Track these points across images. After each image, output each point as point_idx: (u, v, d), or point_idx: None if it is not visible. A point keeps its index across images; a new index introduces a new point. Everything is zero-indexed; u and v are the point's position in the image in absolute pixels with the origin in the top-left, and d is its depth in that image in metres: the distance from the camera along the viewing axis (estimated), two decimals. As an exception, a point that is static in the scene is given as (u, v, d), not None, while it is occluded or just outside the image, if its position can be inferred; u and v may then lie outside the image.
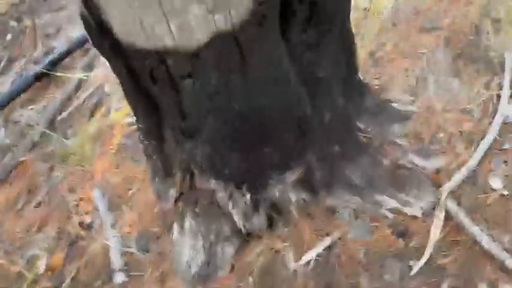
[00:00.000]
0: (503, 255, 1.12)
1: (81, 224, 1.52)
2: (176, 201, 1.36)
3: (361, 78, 1.39)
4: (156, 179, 1.37)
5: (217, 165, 1.13)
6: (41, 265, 1.43)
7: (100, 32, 0.91)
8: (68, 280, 1.37)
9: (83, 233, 1.50)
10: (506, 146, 1.32)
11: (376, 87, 1.52)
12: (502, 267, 1.12)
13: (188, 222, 1.32)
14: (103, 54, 1.05)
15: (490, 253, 1.13)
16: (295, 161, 1.18)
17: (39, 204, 1.64)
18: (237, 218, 1.25)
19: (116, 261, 1.38)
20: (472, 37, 1.57)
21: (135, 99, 1.13)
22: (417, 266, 1.17)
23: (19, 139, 1.92)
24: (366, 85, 1.40)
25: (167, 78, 0.94)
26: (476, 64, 1.52)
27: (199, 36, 0.82)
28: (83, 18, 0.92)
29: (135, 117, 1.24)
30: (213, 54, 0.85)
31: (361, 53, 1.61)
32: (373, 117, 1.36)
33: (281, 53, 0.93)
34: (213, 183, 1.22)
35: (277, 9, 0.85)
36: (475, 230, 1.17)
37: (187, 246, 1.31)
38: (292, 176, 1.21)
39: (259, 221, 1.27)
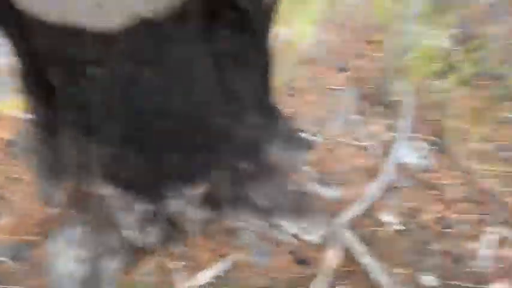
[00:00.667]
0: (391, 286, 1.15)
1: None
2: (63, 206, 1.22)
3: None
4: (44, 180, 1.23)
5: (114, 169, 1.04)
6: None
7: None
8: None
9: None
10: (399, 185, 1.41)
11: (288, 115, 1.54)
12: (389, 298, 1.15)
13: (74, 230, 1.19)
14: (6, 29, 0.93)
15: (380, 284, 1.17)
16: (200, 175, 1.13)
17: None
18: (129, 230, 1.15)
19: (-20, 271, 1.19)
20: (377, 82, 1.69)
21: (32, 86, 1.01)
22: (311, 293, 1.16)
23: None
24: (279, 110, 1.41)
25: (72, 62, 0.85)
26: (379, 106, 1.63)
27: (118, 18, 0.75)
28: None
29: (30, 107, 1.11)
30: (129, 41, 0.79)
31: (277, 82, 1.64)
32: (283, 142, 1.37)
33: (200, 54, 0.90)
34: (108, 189, 1.11)
35: (202, 5, 0.82)
36: (367, 260, 1.20)
37: (68, 258, 1.17)
38: (195, 191, 1.15)
39: (153, 235, 1.18)
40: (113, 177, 1.07)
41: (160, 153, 1.02)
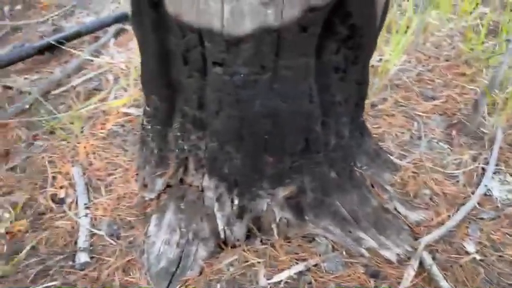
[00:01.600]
0: (467, 314, 1.14)
1: (53, 196, 1.47)
2: (161, 193, 1.35)
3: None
4: (147, 167, 1.36)
5: (218, 162, 1.14)
6: (1, 227, 1.36)
7: (150, 1, 0.94)
8: (26, 249, 1.30)
9: (53, 206, 1.44)
10: (483, 216, 1.39)
11: (374, 135, 1.58)
12: (464, 326, 1.14)
13: (169, 216, 1.30)
14: (139, 27, 1.07)
15: (456, 310, 1.16)
16: (289, 177, 1.20)
17: (12, 169, 1.58)
18: (220, 222, 1.24)
19: (82, 240, 1.33)
20: (468, 111, 1.68)
21: (155, 81, 1.14)
22: (384, 309, 1.18)
23: (7, 103, 1.88)
24: (368, 129, 1.46)
25: (200, 61, 0.97)
26: (467, 137, 1.62)
27: (247, 25, 0.86)
28: (136, -15, 0.95)
29: (146, 101, 1.25)
30: (253, 46, 0.89)
31: (367, 103, 1.69)
32: (370, 160, 1.41)
33: (311, 65, 0.98)
34: (205, 181, 1.22)
35: (321, 21, 0.91)
36: (445, 285, 1.20)
37: (161, 240, 1.28)
38: (283, 192, 1.23)
39: (240, 230, 1.27)
40: (212, 170, 1.17)
41: (259, 152, 1.10)
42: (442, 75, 1.95)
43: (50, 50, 2.19)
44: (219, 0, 0.83)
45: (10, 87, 1.99)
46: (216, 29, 0.88)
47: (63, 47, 2.14)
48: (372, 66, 1.94)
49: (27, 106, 1.84)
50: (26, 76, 2.08)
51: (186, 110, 1.10)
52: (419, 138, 1.63)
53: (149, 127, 1.28)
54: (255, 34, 0.87)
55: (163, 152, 1.27)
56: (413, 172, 1.50)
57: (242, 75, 0.94)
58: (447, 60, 2.06)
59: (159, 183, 1.32)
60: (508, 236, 1.33)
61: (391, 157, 1.52)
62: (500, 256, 1.28)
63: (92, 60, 2.14)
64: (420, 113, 1.73)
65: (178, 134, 1.17)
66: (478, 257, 1.28)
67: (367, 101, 1.73)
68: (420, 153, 1.57)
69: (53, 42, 2.13)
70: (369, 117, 1.67)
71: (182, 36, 0.94)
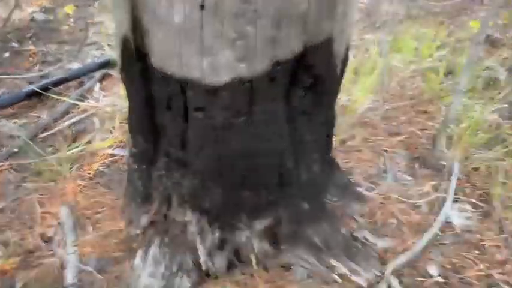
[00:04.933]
0: (432, 332, 1.24)
1: (42, 235, 1.54)
2: (146, 228, 1.43)
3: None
4: (132, 204, 1.45)
5: (200, 198, 1.24)
6: (-8, 267, 1.42)
7: (137, 55, 1.07)
8: (18, 286, 1.36)
9: (42, 244, 1.51)
10: (445, 241, 1.51)
11: (344, 169, 1.71)
12: None
13: (153, 249, 1.38)
14: (126, 77, 1.20)
15: (421, 329, 1.26)
16: (266, 210, 1.31)
17: (2, 210, 1.65)
18: (202, 254, 1.33)
19: (70, 277, 1.40)
20: (429, 146, 1.84)
21: (141, 124, 1.26)
22: (356, 331, 1.27)
23: (-5, 147, 1.96)
24: (337, 164, 1.59)
25: (182, 107, 1.10)
26: (428, 169, 1.77)
27: (223, 75, 0.99)
28: (124, 40, 1.08)
29: (132, 142, 1.36)
30: (229, 94, 1.02)
31: (334, 140, 1.84)
32: (339, 191, 1.53)
33: (281, 110, 1.11)
34: (188, 216, 1.32)
35: (288, 72, 1.05)
36: (411, 306, 1.30)
37: (146, 273, 1.36)
38: (260, 225, 1.33)
39: (221, 261, 1.36)
40: (194, 205, 1.28)
41: (237, 187, 1.21)
42: (405, 112, 2.12)
43: (37, 96, 2.29)
44: (199, 55, 0.96)
45: (-1, 132, 2.07)
46: (196, 79, 1.01)
47: (49, 94, 2.25)
48: (342, 105, 2.11)
49: (16, 149, 1.92)
50: (15, 120, 2.17)
51: (170, 150, 1.21)
52: (386, 171, 1.77)
53: (135, 166, 1.38)
54: (230, 84, 1.00)
55: (148, 189, 1.37)
56: (381, 203, 1.63)
57: (220, 119, 1.06)
58: (411, 99, 2.24)
59: (144, 219, 1.41)
60: (467, 260, 1.45)
61: (359, 189, 1.65)
62: (460, 278, 1.40)
63: (77, 105, 2.24)
64: (386, 148, 1.88)
65: (163, 172, 1.28)
66: (440, 280, 1.40)
67: (337, 138, 1.89)
68: (387, 185, 1.71)
69: (40, 89, 2.23)
70: (339, 153, 1.81)
71: (166, 85, 1.07)
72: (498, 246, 1.48)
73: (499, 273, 1.40)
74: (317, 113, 1.22)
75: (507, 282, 1.38)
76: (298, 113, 1.17)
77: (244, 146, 1.11)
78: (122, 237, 1.51)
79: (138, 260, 1.40)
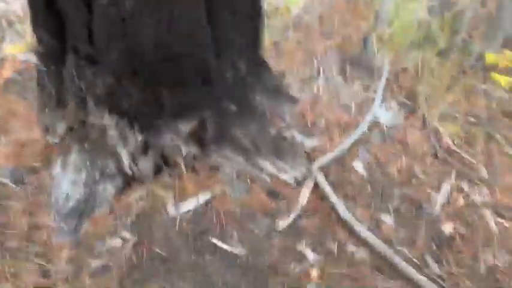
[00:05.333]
0: (353, 222, 1.30)
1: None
2: (64, 135, 1.34)
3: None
4: (46, 110, 1.34)
5: (116, 98, 1.16)
6: None
7: None
8: None
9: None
10: (371, 139, 1.55)
11: (276, 72, 1.66)
12: (351, 232, 1.30)
13: (73, 157, 1.31)
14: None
15: (344, 220, 1.31)
16: (191, 111, 1.25)
17: None
18: (125, 158, 1.28)
19: (-16, 190, 1.31)
20: (359, 48, 1.82)
21: (42, 13, 1.11)
22: (283, 225, 1.30)
23: None
24: (268, 65, 1.53)
25: (83, -7, 0.97)
26: (359, 70, 1.76)
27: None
28: None
29: (38, 41, 1.22)
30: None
31: (267, 42, 1.76)
32: (269, 93, 1.49)
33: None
34: (106, 119, 1.23)
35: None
36: (335, 200, 1.34)
37: (68, 181, 1.30)
38: (186, 127, 1.28)
39: (146, 165, 1.31)
40: (111, 107, 1.19)
41: (155, 86, 1.13)
42: (341, 15, 2.06)
43: None
44: None
45: None
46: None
47: None
48: (276, 7, 2.01)
49: None
50: None
51: (77, 45, 1.09)
52: (318, 73, 1.74)
53: (44, 68, 1.25)
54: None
55: (61, 93, 1.26)
56: (311, 104, 1.62)
57: (128, 6, 0.95)
58: (347, 1, 2.17)
59: (61, 126, 1.32)
60: (391, 155, 1.50)
61: (290, 91, 1.62)
62: (383, 172, 1.45)
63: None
64: (318, 51, 1.83)
65: (73, 72, 1.17)
66: (365, 175, 1.44)
67: (270, 40, 1.81)
68: (318, 87, 1.69)
69: None
70: (271, 56, 1.75)
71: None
72: (420, 142, 1.54)
73: (419, 166, 1.47)
74: (241, 4, 1.13)
75: (425, 173, 1.45)
76: (219, 3, 1.07)
77: (157, 38, 1.01)
78: (38, 146, 1.41)
79: (57, 169, 1.33)
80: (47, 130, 1.37)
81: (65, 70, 1.20)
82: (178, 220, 1.30)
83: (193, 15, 1.02)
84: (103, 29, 1.01)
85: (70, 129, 1.32)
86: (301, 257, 1.26)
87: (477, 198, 1.40)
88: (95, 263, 1.21)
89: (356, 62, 1.77)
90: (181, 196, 1.35)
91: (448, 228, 1.33)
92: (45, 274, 1.18)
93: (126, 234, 1.27)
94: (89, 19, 1.01)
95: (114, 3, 0.94)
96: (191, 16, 1.01)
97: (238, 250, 1.26)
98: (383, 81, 1.68)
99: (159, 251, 1.25)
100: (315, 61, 1.80)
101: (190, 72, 1.13)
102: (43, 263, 1.19)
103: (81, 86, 1.19)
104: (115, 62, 1.06)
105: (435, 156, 1.51)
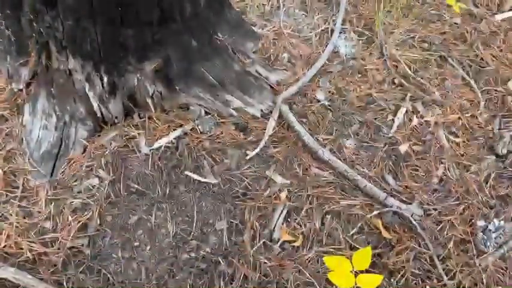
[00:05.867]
0: (317, 147, 1.39)
1: None
2: (29, 82, 1.35)
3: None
4: (8, 57, 1.34)
5: (78, 41, 1.16)
6: None
7: None
8: None
9: None
10: (332, 70, 1.61)
11: (237, 8, 1.68)
12: (315, 157, 1.39)
13: (41, 103, 1.33)
14: None
15: (308, 146, 1.40)
16: (154, 50, 1.27)
17: None
18: (93, 100, 1.30)
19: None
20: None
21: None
22: (252, 153, 1.38)
23: None
24: (230, 2, 1.54)
25: None
26: (320, 2, 1.79)
27: None
28: None
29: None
30: None
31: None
32: (231, 29, 1.51)
33: None
34: (71, 63, 1.25)
35: None
36: (299, 128, 1.42)
37: (38, 126, 1.32)
38: (150, 66, 1.30)
39: (115, 107, 1.35)
40: (74, 50, 1.20)
41: (116, 25, 1.14)
42: None
43: None
44: None
45: None
46: None
47: None
48: None
49: None
50: None
51: (33, -13, 1.08)
52: (279, 8, 1.76)
53: (1, 14, 1.24)
54: None
55: (21, 39, 1.25)
56: (273, 39, 1.65)
57: None
58: None
59: (25, 72, 1.32)
60: (351, 84, 1.57)
61: (252, 27, 1.64)
62: (344, 100, 1.53)
63: None
64: (280, -16, 1.84)
65: (31, 16, 1.16)
66: (326, 103, 1.52)
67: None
68: (279, 22, 1.72)
69: None
70: (231, -9, 1.74)
71: None
72: (378, 69, 1.61)
73: (377, 92, 1.55)
74: None
75: (383, 98, 1.54)
76: None
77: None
78: (4, 95, 1.42)
79: (26, 115, 1.35)
80: (10, 78, 1.37)
81: (22, 15, 1.19)
82: (151, 157, 1.36)
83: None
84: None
85: (34, 75, 1.33)
86: (270, 182, 1.35)
87: (430, 118, 1.50)
88: (75, 202, 1.27)
89: (316, -5, 1.79)
90: (152, 135, 1.40)
91: (404, 147, 1.44)
92: (28, 214, 1.24)
93: (102, 174, 1.33)
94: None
95: None
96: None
97: (210, 180, 1.34)
98: (342, 12, 1.72)
99: (135, 186, 1.32)
100: (276, -5, 1.81)
101: (151, 12, 1.14)
102: (25, 205, 1.25)
103: (41, 31, 1.19)
104: (71, 3, 1.06)
105: (392, 82, 1.59)
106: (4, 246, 1.17)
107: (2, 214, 1.22)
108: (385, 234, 1.27)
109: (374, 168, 1.40)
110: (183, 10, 1.23)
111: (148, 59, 1.29)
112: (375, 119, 1.49)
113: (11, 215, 1.22)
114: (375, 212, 1.29)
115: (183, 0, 1.20)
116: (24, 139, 1.33)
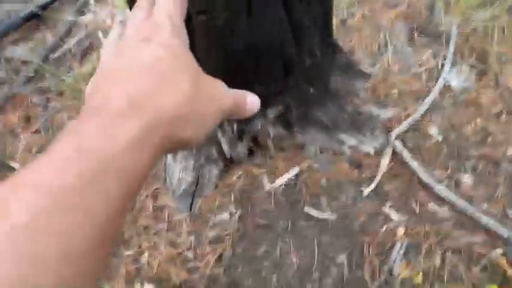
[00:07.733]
0: (433, 183, 1.42)
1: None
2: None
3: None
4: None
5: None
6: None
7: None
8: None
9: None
10: (444, 104, 1.63)
11: (346, 50, 1.78)
12: (431, 193, 1.43)
13: (181, 147, 1.55)
14: None
15: (424, 182, 1.44)
16: (277, 99, 1.43)
17: (36, 131, 1.80)
18: (225, 145, 1.49)
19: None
20: (426, 15, 1.87)
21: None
22: (367, 190, 1.46)
23: (13, 74, 2.05)
24: (338, 45, 1.66)
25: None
26: (428, 37, 1.82)
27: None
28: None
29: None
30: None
31: (335, 21, 1.87)
32: (342, 72, 1.62)
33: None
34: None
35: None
36: (414, 164, 1.47)
37: (178, 168, 1.54)
38: (272, 112, 1.46)
39: (242, 149, 1.52)
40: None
41: (248, 84, 1.31)
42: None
43: (34, 18, 2.31)
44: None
45: (11, 59, 2.15)
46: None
47: (47, 14, 2.26)
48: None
49: (32, 74, 2.01)
50: (22, 45, 2.23)
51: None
52: (386, 45, 1.83)
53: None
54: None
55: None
56: (382, 77, 1.73)
57: (222, 19, 1.13)
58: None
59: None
60: (465, 118, 1.58)
61: (362, 67, 1.73)
62: (458, 134, 1.54)
63: (77, 21, 2.27)
64: (384, 23, 1.91)
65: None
66: (440, 138, 1.55)
67: (337, 19, 1.92)
68: (388, 59, 1.79)
69: (39, 10, 2.25)
70: (340, 34, 1.86)
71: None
72: (493, 101, 1.60)
73: (494, 125, 1.54)
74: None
75: (500, 131, 1.52)
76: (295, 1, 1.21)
77: (248, 40, 1.18)
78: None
79: (169, 159, 1.57)
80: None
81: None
82: (273, 194, 1.50)
83: (276, 19, 1.17)
84: (201, 41, 1.19)
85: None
86: (387, 218, 1.41)
87: (555, 151, 1.45)
88: (211, 233, 1.45)
89: (423, 30, 1.83)
90: (273, 173, 1.54)
91: (526, 182, 1.41)
92: (173, 244, 1.44)
93: (232, 209, 1.50)
94: (190, 31, 1.19)
95: (210, 18, 1.12)
96: (274, 17, 1.17)
97: (328, 216, 1.44)
98: (452, 45, 1.74)
99: (260, 221, 1.47)
100: (382, 33, 1.88)
101: (277, 68, 1.30)
102: (171, 236, 1.46)
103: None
104: (213, 66, 1.25)
105: (510, 113, 1.57)
106: (156, 272, 1.39)
107: (154, 243, 1.44)
108: (510, 273, 1.26)
109: (495, 203, 1.39)
110: (303, 63, 1.36)
111: (270, 107, 1.44)
112: (493, 153, 1.48)
113: (161, 245, 1.43)
114: (499, 250, 1.29)
115: (303, 55, 1.34)
116: (167, 180, 1.55)
